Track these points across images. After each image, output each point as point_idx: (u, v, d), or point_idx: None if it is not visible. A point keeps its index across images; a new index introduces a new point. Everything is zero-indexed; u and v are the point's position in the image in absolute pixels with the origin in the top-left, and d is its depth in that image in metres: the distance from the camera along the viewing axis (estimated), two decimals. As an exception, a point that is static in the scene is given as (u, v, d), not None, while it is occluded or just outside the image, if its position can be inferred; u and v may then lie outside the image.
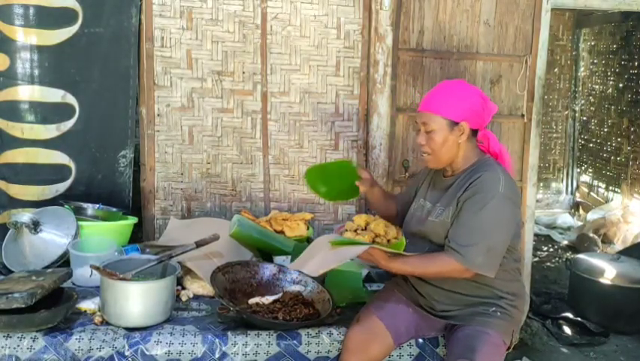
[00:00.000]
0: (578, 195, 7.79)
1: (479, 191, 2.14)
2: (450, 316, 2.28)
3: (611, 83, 7.11)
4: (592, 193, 7.43)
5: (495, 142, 2.40)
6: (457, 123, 2.21)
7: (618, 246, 5.83)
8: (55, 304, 2.32)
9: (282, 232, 3.21)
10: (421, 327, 2.33)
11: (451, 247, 2.14)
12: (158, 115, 3.58)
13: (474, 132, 2.28)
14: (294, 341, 2.31)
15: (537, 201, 5.88)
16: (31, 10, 3.32)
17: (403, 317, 2.33)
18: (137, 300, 2.30)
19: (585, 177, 7.73)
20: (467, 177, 2.22)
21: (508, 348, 2.29)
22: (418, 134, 2.28)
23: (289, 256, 2.98)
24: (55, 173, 3.45)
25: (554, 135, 7.92)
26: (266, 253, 3.09)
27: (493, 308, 2.24)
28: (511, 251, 2.26)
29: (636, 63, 6.56)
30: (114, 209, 3.30)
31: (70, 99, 3.43)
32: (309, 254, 2.27)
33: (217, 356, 2.26)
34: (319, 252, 2.21)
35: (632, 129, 6.54)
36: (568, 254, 6.04)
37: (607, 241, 6.08)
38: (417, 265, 2.18)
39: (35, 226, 2.87)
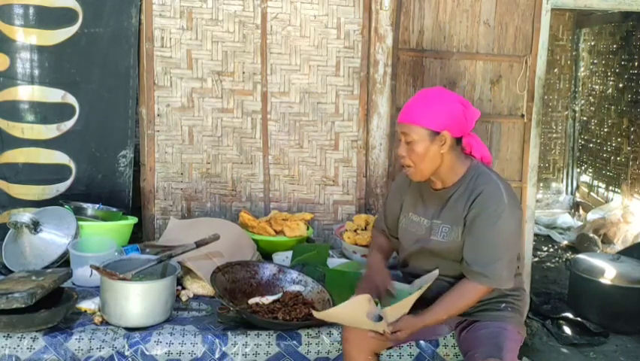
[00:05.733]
0: (578, 195, 7.79)
1: (486, 207, 2.13)
2: (460, 314, 2.28)
3: (611, 83, 7.10)
4: (592, 193, 7.42)
5: (478, 147, 2.32)
6: (438, 133, 2.15)
7: (618, 246, 5.82)
8: (55, 304, 2.32)
9: (281, 232, 3.21)
10: (420, 331, 2.31)
11: (475, 271, 2.14)
12: (158, 115, 3.58)
13: (457, 140, 2.22)
14: (294, 341, 2.31)
15: (537, 201, 5.88)
16: (31, 10, 3.32)
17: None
18: (137, 300, 2.30)
19: (585, 177, 7.72)
20: (467, 192, 2.19)
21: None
22: (399, 145, 2.22)
23: (289, 256, 2.98)
24: (56, 173, 3.45)
25: (554, 135, 7.91)
26: (266, 253, 3.09)
27: (503, 305, 2.28)
28: None
29: (636, 63, 6.55)
30: (114, 209, 3.30)
31: (71, 99, 3.43)
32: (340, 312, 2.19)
33: (217, 356, 2.26)
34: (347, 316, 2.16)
35: (632, 129, 6.53)
36: (568, 254, 6.04)
37: (607, 241, 6.07)
38: (447, 308, 2.15)
39: (35, 226, 2.87)
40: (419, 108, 2.16)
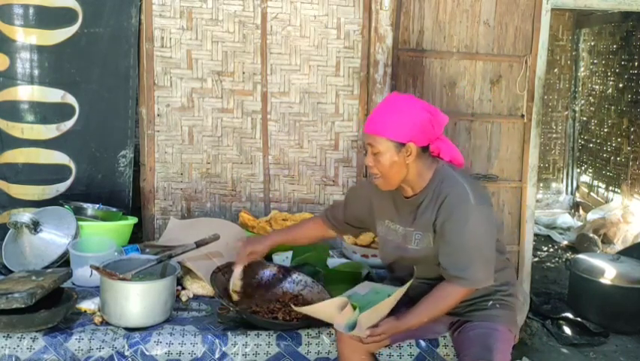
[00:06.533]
0: (577, 195, 7.79)
1: (454, 211, 2.10)
2: (451, 314, 2.28)
3: (611, 83, 7.11)
4: (592, 193, 7.43)
5: (447, 150, 2.27)
6: (403, 144, 2.12)
7: (618, 246, 5.83)
8: (55, 304, 2.31)
9: (282, 232, 3.21)
10: (416, 331, 2.29)
11: (453, 275, 2.11)
12: (158, 115, 3.58)
13: (424, 148, 2.19)
14: (294, 342, 2.31)
15: (537, 201, 5.88)
16: (31, 10, 3.32)
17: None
18: (137, 300, 2.29)
19: (585, 177, 7.73)
20: (433, 198, 2.16)
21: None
22: (366, 155, 2.20)
23: (289, 256, 2.98)
24: (56, 173, 3.46)
25: (554, 135, 7.92)
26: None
27: (491, 302, 2.26)
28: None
29: (636, 63, 6.56)
30: (114, 209, 3.30)
31: (70, 99, 3.43)
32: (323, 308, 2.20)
33: (217, 356, 2.26)
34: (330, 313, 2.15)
35: (632, 129, 6.54)
36: (568, 254, 6.04)
37: (607, 241, 6.08)
38: (429, 310, 2.13)
39: (35, 226, 2.87)
40: (385, 119, 2.13)
